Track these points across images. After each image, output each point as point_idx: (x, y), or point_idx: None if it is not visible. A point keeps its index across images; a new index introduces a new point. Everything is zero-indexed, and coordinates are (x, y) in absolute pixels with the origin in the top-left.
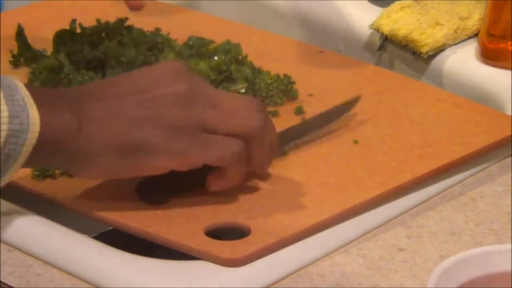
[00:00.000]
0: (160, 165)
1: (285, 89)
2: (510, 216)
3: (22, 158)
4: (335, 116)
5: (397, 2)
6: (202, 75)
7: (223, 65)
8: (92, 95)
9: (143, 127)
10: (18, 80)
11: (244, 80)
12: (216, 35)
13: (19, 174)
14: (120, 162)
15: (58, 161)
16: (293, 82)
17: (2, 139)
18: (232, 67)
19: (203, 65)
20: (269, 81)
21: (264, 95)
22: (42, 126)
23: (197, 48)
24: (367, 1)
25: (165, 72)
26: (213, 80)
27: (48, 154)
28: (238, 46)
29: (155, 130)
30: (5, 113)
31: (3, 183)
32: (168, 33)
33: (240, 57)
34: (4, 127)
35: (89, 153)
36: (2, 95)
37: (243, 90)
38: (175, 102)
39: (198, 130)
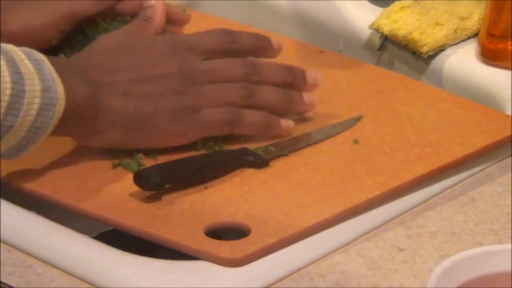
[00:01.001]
0: (162, 141)
1: None
2: (510, 216)
3: (49, 130)
4: (334, 132)
5: (397, 2)
6: None
7: None
8: (103, 67)
9: (151, 104)
10: (39, 53)
11: None
12: None
13: (19, 173)
14: (128, 135)
15: (72, 132)
16: None
17: (35, 112)
18: None
19: None
20: None
21: None
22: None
23: None
24: (367, 1)
25: (162, 48)
26: None
27: (66, 126)
28: None
29: (161, 108)
30: (38, 87)
31: (30, 152)
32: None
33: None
34: (37, 100)
35: (102, 125)
36: (33, 70)
37: None
38: (173, 84)
39: (194, 109)
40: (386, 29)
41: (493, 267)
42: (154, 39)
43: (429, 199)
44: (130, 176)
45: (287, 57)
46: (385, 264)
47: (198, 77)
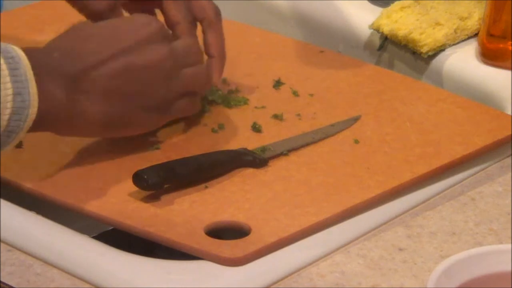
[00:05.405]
0: (135, 131)
1: None
2: (510, 216)
3: (23, 133)
4: (333, 131)
5: (397, 2)
6: None
7: None
8: (80, 61)
9: (126, 103)
10: (19, 49)
11: None
12: None
13: (19, 173)
14: (104, 130)
15: (48, 129)
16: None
17: (6, 117)
18: None
19: None
20: None
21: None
22: (39, 101)
23: None
24: (367, 1)
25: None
26: None
27: (40, 124)
28: None
29: (138, 106)
30: (9, 91)
31: (2, 156)
32: None
33: None
34: (9, 105)
35: (79, 124)
36: (6, 70)
37: None
38: (157, 74)
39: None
40: (386, 29)
41: (493, 267)
42: (123, 26)
43: (429, 199)
44: (130, 176)
45: (287, 57)
46: (385, 264)
47: (171, 68)
